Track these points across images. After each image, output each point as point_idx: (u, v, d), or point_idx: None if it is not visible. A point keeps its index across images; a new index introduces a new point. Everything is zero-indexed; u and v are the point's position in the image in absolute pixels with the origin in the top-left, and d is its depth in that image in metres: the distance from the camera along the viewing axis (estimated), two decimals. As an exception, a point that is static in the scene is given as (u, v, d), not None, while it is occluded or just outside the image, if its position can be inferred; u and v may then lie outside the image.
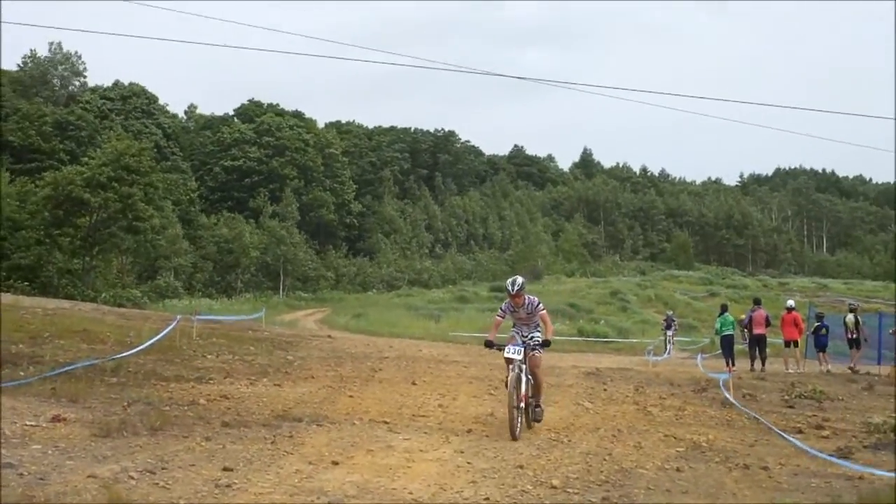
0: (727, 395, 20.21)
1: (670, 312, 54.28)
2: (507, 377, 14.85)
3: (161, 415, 14.03)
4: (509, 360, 14.79)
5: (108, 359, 19.70)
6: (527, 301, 15.44)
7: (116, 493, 9.19)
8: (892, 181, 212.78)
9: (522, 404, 14.59)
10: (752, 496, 10.96)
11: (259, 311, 44.74)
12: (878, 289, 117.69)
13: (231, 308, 62.51)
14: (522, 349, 14.97)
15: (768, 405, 20.33)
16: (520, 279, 15.56)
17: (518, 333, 15.63)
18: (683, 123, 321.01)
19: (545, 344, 15.38)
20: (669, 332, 47.72)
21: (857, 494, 10.55)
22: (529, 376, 15.11)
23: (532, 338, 15.50)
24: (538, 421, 15.57)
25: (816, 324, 33.75)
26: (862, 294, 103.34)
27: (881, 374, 29.90)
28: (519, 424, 14.34)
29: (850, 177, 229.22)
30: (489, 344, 15.60)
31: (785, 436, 15.04)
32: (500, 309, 16.01)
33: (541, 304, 15.68)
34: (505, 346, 15.10)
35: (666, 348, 46.01)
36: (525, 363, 14.95)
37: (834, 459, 13.19)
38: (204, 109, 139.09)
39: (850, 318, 33.52)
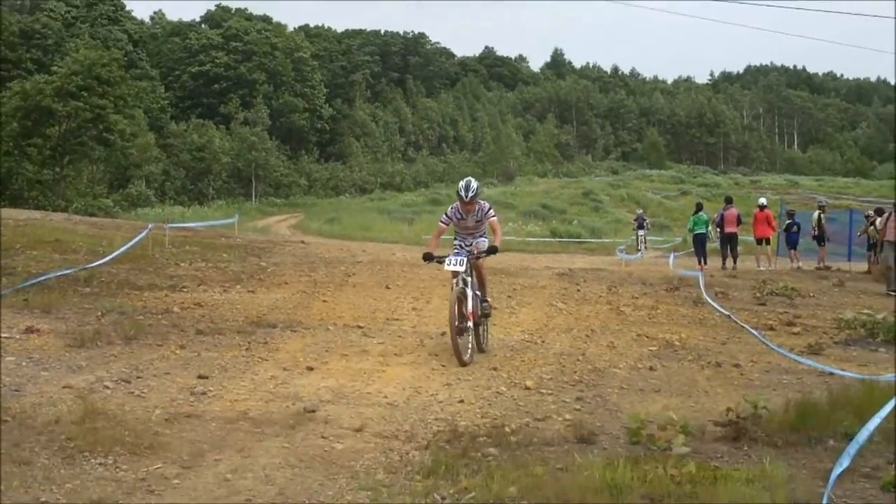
0: (703, 293, 20.34)
1: (640, 211, 53.74)
2: (451, 295, 13.22)
3: (135, 324, 14.00)
4: (454, 274, 13.07)
5: (80, 269, 19.61)
6: (477, 207, 13.49)
7: (92, 402, 9.20)
8: (862, 77, 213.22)
9: (470, 323, 12.81)
10: (724, 393, 11.07)
11: (231, 216, 44.64)
12: (849, 185, 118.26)
13: (204, 215, 62.23)
14: (466, 259, 13.04)
15: (740, 303, 20.46)
16: (474, 183, 13.48)
17: (461, 244, 13.74)
18: (654, 22, 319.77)
19: (492, 250, 13.32)
20: (641, 232, 47.15)
21: (828, 390, 10.65)
22: (477, 291, 13.37)
23: (476, 244, 13.64)
24: (487, 315, 13.74)
25: (788, 221, 33.83)
26: (833, 191, 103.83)
27: (851, 271, 30.10)
28: (470, 347, 12.76)
29: (821, 73, 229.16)
30: (428, 257, 13.41)
31: (755, 333, 15.14)
32: (445, 215, 13.87)
33: (492, 210, 13.69)
34: (445, 257, 13.14)
35: (638, 248, 45.60)
36: (471, 276, 13.17)
37: (800, 359, 13.32)
38: (171, 16, 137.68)
39: (815, 215, 33.70)
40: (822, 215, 33.31)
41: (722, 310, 18.06)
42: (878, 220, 28.41)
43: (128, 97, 65.87)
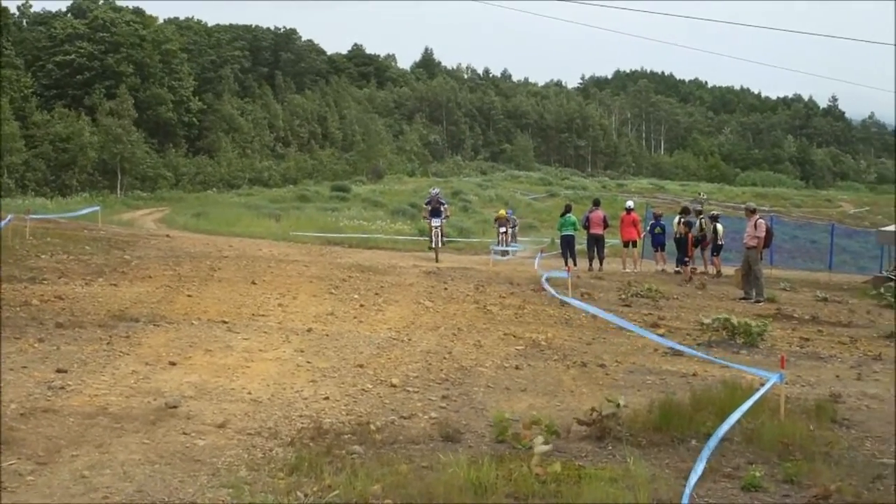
0: (549, 291, 20.49)
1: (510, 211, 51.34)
2: None
3: (-9, 316, 13.67)
4: None
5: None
6: None
7: (-57, 397, 8.95)
8: (727, 84, 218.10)
9: None
10: (589, 393, 11.15)
11: (92, 206, 43.98)
12: (713, 191, 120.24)
13: (67, 207, 60.94)
14: None
15: (605, 304, 20.63)
16: None
17: None
18: (526, 25, 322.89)
19: None
20: (503, 230, 45.39)
21: (691, 391, 10.78)
22: None
23: None
24: None
25: (651, 222, 34.01)
26: (697, 195, 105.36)
27: (709, 273, 30.61)
28: None
29: (687, 80, 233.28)
30: None
31: (637, 330, 15.27)
32: None
33: None
34: None
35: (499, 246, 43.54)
36: None
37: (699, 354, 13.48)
38: (37, 8, 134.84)
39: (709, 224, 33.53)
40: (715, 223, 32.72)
41: (590, 310, 18.17)
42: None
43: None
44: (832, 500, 7.28)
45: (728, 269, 30.21)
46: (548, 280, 22.44)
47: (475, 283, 22.94)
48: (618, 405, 9.08)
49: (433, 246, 33.55)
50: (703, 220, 31.22)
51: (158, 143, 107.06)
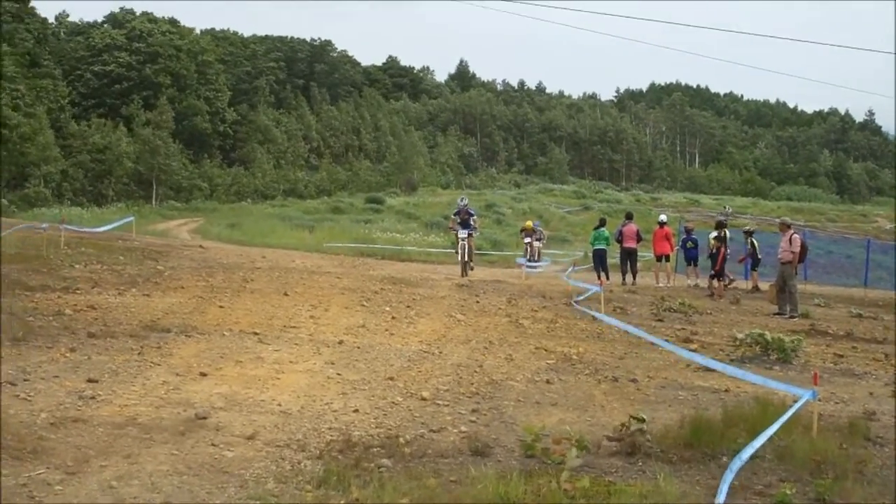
0: (575, 306, 20.46)
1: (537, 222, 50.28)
2: None
3: (24, 325, 13.70)
4: None
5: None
6: None
7: (-26, 405, 8.96)
8: (762, 98, 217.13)
9: None
10: (620, 408, 11.07)
11: (126, 217, 44.21)
12: (747, 205, 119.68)
13: (102, 217, 61.14)
14: None
15: (638, 318, 20.55)
16: None
17: None
18: (561, 38, 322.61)
19: None
20: (528, 240, 43.81)
21: (723, 407, 10.70)
22: None
23: None
24: None
25: (683, 237, 33.67)
26: (723, 208, 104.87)
27: (742, 289, 30.42)
28: None
29: (722, 94, 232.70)
30: None
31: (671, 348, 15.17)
32: None
33: None
34: None
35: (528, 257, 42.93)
36: None
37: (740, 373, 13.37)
38: (74, 17, 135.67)
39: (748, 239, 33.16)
40: (751, 238, 32.49)
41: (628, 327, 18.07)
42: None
43: (20, 91, 64.52)
44: (864, 520, 7.22)
45: (763, 284, 29.99)
46: (578, 302, 22.34)
47: (507, 296, 22.88)
48: (642, 421, 9.03)
49: (460, 260, 30.66)
50: (724, 233, 30.68)
51: (194, 153, 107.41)
